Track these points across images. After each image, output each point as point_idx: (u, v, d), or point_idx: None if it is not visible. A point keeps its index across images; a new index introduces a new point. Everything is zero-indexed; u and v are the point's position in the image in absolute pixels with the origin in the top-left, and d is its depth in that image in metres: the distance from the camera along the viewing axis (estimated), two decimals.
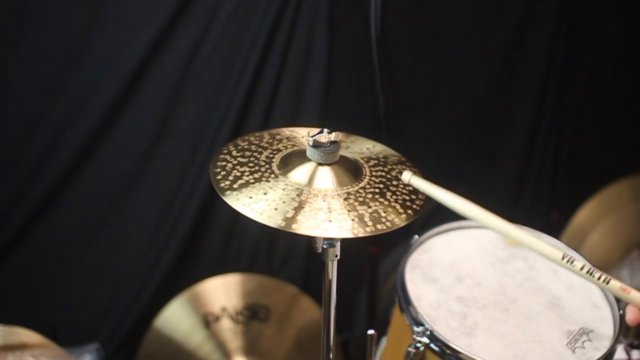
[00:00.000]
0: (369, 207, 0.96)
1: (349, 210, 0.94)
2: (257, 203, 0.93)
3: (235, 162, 1.03)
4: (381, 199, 0.98)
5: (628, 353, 1.26)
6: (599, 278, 0.95)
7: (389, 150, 1.13)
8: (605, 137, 2.30)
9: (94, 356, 1.64)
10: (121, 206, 1.80)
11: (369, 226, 0.92)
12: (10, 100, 1.66)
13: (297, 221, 0.91)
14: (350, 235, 0.91)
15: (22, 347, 1.52)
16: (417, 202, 1.00)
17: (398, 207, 0.98)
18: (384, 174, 1.05)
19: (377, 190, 1.00)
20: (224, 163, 1.03)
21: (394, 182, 1.03)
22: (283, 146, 1.08)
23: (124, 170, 1.78)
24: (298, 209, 0.93)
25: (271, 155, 1.03)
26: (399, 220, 0.95)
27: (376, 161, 1.08)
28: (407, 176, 1.02)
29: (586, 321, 1.15)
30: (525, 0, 1.98)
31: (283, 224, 0.90)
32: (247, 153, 1.05)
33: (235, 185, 0.97)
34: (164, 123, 1.75)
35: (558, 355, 1.07)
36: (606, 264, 2.12)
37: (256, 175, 0.99)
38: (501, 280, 1.24)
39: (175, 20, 1.64)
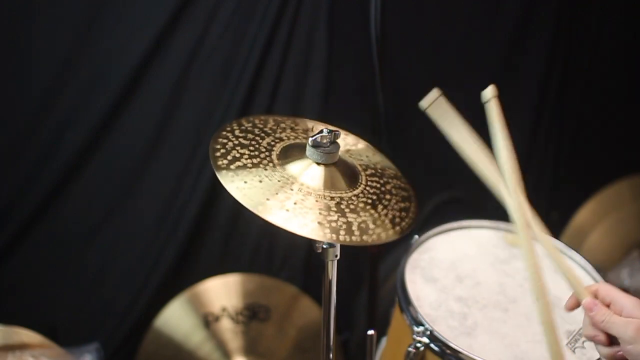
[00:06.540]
0: (359, 215, 0.94)
1: (339, 216, 0.93)
2: (251, 190, 0.92)
3: (237, 142, 1.01)
4: (372, 210, 0.96)
5: None
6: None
7: (386, 162, 1.11)
8: (605, 137, 2.30)
9: (94, 356, 1.64)
10: (121, 206, 1.80)
11: (355, 235, 0.90)
12: (11, 100, 1.66)
13: (285, 216, 0.90)
14: (336, 242, 0.90)
15: (22, 347, 1.52)
16: (407, 220, 0.98)
17: (387, 222, 0.96)
18: (379, 185, 1.03)
19: (369, 201, 0.98)
20: (225, 141, 1.01)
21: (387, 197, 1.01)
22: (286, 136, 1.06)
23: (124, 170, 1.78)
24: (289, 203, 0.92)
25: (273, 143, 1.01)
26: (385, 235, 0.93)
27: (373, 171, 1.06)
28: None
29: None
30: (525, 0, 1.98)
31: (268, 217, 0.88)
32: (250, 136, 1.03)
33: (232, 167, 0.95)
34: (164, 123, 1.75)
35: None
36: (606, 264, 2.11)
37: (255, 161, 0.98)
38: (501, 281, 1.24)
39: (175, 20, 1.64)
